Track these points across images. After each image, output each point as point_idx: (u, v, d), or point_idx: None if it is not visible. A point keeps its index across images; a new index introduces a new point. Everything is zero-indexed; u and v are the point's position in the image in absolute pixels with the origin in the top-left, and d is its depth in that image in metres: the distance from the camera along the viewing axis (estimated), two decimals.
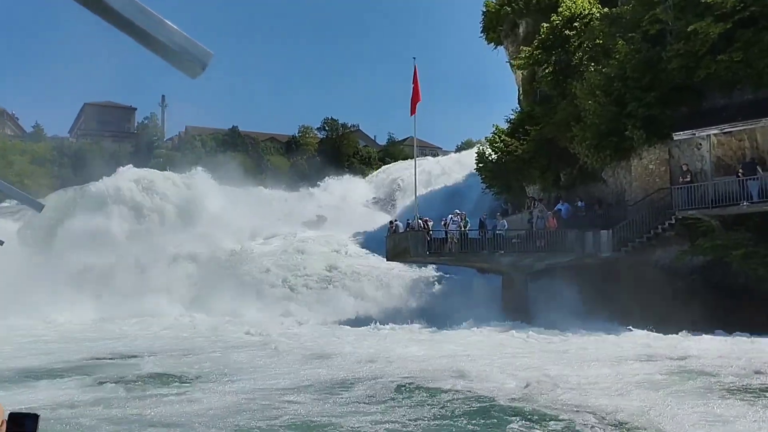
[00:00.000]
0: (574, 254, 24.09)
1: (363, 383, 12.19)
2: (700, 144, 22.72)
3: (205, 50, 1.38)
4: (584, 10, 27.86)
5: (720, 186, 21.28)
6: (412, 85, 25.82)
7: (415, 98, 25.92)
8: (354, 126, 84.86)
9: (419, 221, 25.21)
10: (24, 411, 1.86)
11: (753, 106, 21.57)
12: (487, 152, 31.90)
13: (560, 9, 28.36)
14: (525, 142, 28.79)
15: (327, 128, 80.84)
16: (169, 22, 1.34)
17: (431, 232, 25.15)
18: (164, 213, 43.21)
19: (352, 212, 46.73)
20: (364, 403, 10.58)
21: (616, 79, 23.69)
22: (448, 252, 25.00)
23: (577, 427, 8.80)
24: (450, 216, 25.47)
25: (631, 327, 19.99)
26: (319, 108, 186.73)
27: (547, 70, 28.23)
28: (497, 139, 30.85)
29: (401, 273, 32.28)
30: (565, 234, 24.36)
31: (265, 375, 13.56)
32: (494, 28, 34.19)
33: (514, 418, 9.37)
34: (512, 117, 31.96)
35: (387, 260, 28.19)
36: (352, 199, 51.82)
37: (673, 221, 22.13)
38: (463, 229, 24.89)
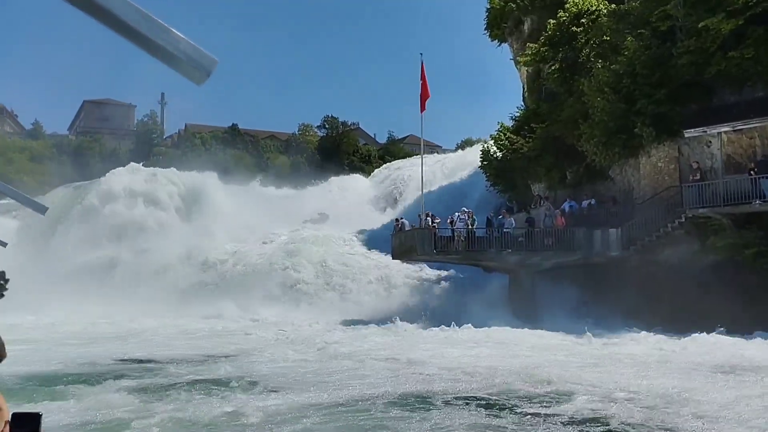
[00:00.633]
0: (582, 253, 23.88)
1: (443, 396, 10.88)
2: (710, 141, 22.47)
3: (210, 57, 1.39)
4: (591, 6, 27.62)
5: (731, 184, 21.02)
6: (421, 81, 25.42)
7: (424, 94, 25.52)
8: (354, 124, 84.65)
9: (427, 218, 24.94)
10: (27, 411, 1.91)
11: (764, 103, 21.32)
12: (491, 150, 31.67)
13: (567, 5, 28.11)
14: (531, 140, 28.56)
15: (327, 126, 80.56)
16: (174, 30, 1.35)
17: (437, 230, 24.91)
18: (165, 211, 42.93)
19: (354, 210, 46.44)
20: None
21: (624, 75, 23.43)
22: (455, 250, 24.75)
23: None
24: (457, 214, 25.21)
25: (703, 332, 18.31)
26: (319, 106, 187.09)
27: (553, 67, 27.98)
28: (502, 137, 30.63)
29: (406, 271, 31.99)
30: (573, 233, 24.14)
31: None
32: (498, 25, 33.92)
33: None
34: (517, 115, 31.75)
35: (392, 258, 27.88)
36: (354, 197, 51.48)
37: (683, 219, 21.85)
38: (470, 227, 24.65)
